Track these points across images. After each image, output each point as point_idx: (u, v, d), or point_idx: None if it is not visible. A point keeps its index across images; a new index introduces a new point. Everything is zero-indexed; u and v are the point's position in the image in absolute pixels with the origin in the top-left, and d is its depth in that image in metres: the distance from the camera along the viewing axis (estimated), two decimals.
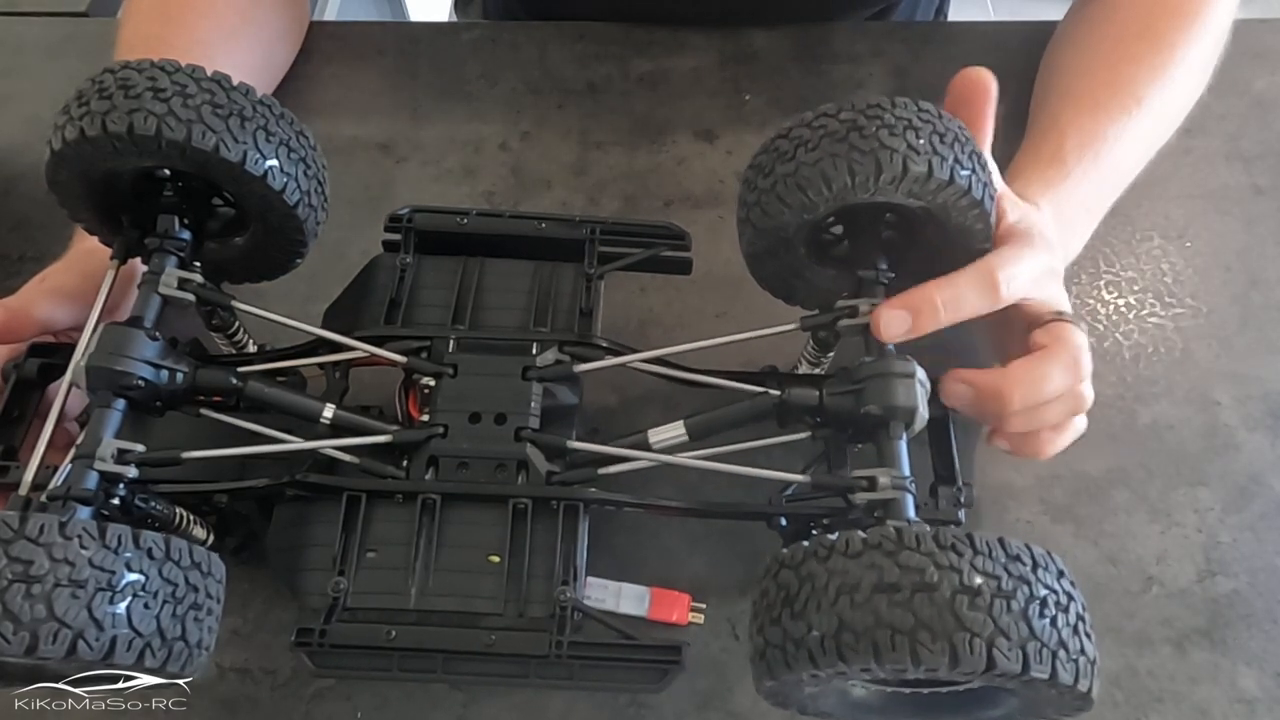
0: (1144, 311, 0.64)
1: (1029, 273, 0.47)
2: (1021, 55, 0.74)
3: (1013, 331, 0.49)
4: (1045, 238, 0.49)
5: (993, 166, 0.50)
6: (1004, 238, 0.48)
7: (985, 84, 0.47)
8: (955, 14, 1.01)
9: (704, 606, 0.53)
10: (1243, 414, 0.59)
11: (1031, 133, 0.61)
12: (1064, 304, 0.49)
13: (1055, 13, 0.74)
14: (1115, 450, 0.58)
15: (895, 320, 0.44)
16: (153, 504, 0.44)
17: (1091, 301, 0.64)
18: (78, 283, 0.52)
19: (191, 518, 0.46)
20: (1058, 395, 0.46)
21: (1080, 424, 0.49)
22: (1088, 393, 0.48)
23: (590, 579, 0.52)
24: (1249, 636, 0.52)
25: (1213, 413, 0.59)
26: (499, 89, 0.75)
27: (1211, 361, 0.62)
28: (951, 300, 0.45)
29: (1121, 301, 0.64)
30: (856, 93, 0.74)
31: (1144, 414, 0.59)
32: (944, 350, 0.49)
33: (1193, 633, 0.53)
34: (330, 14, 1.40)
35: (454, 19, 1.07)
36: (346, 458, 0.46)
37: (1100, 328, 0.63)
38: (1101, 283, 0.65)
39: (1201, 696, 0.51)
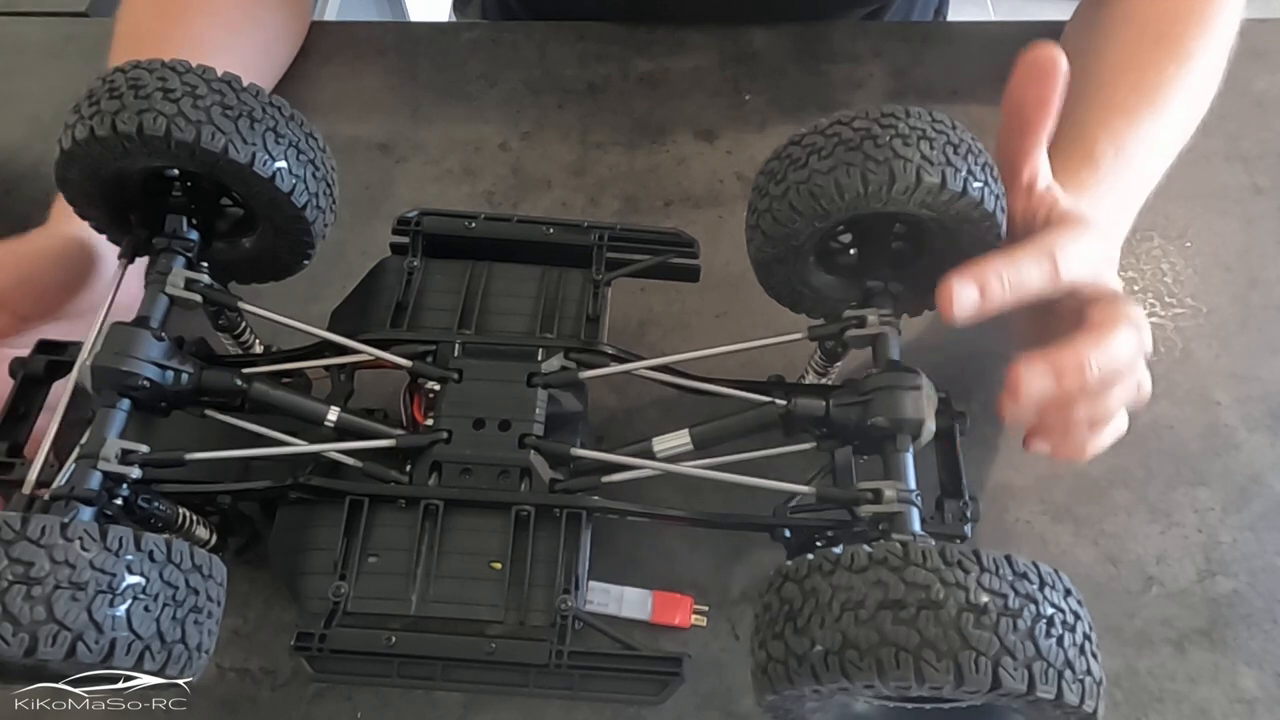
0: (1144, 311, 0.64)
1: (1088, 255, 0.46)
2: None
3: (1064, 324, 0.47)
4: (1099, 224, 0.48)
5: (1043, 158, 0.49)
6: (1058, 221, 0.47)
7: (1055, 58, 0.44)
8: (955, 14, 1.01)
9: (706, 609, 0.52)
10: (1243, 414, 0.59)
11: (1058, 136, 0.60)
12: (1117, 289, 0.48)
13: (1055, 13, 0.73)
14: (1115, 450, 0.57)
15: (965, 295, 0.42)
16: (156, 504, 0.44)
17: None
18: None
19: (195, 518, 0.46)
20: (1128, 367, 0.45)
21: (1122, 422, 0.48)
22: (1146, 379, 0.47)
23: (592, 583, 0.52)
24: (1249, 636, 0.52)
25: (1213, 413, 0.59)
26: (499, 89, 0.75)
27: (1211, 361, 0.61)
28: (1014, 278, 0.43)
29: None
30: (856, 93, 0.74)
31: (1144, 414, 0.59)
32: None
33: (1193, 633, 0.52)
34: (330, 14, 1.40)
35: (454, 19, 1.07)
36: (350, 461, 0.46)
37: None
38: None
39: (1201, 696, 0.51)
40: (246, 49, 0.69)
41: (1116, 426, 0.48)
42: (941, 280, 0.43)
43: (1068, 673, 0.33)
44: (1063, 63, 0.44)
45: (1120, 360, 0.44)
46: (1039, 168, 0.49)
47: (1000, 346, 0.56)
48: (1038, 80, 0.45)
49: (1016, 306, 0.44)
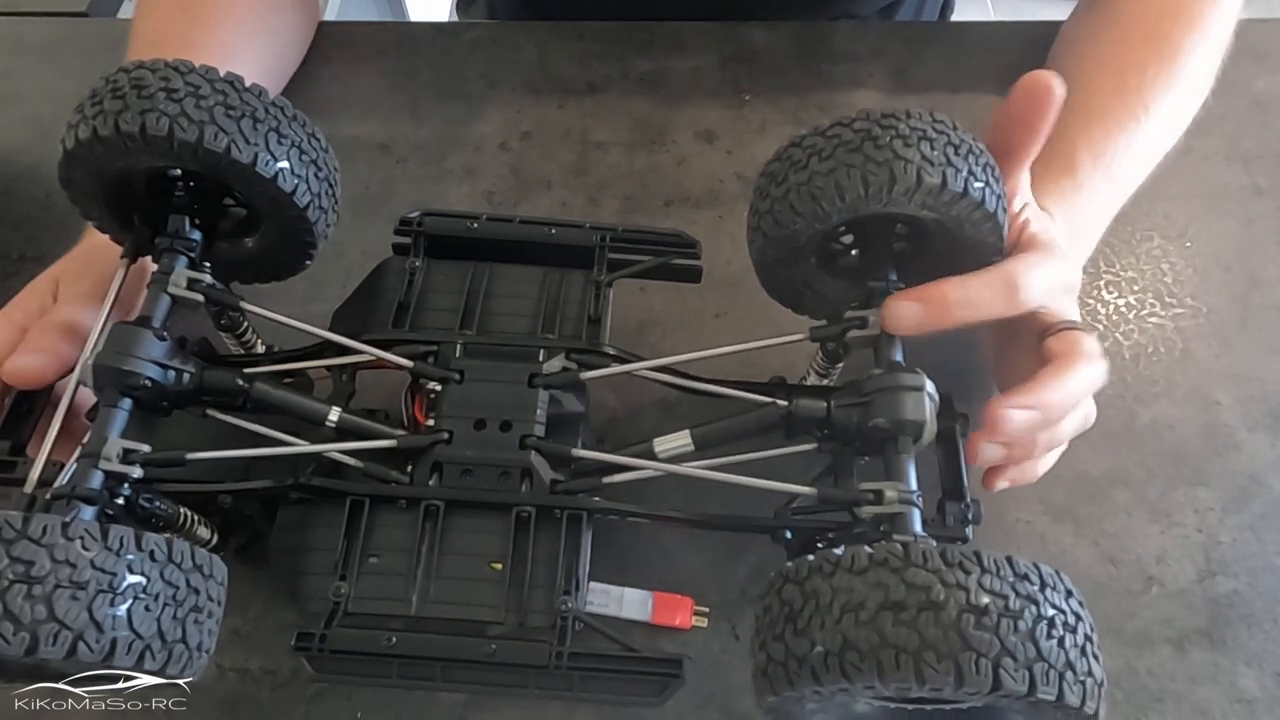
0: (1144, 311, 0.64)
1: (1048, 282, 0.47)
2: (1022, 55, 0.74)
3: (1022, 344, 0.49)
4: (1064, 250, 0.49)
5: (1024, 178, 0.50)
6: (1026, 245, 0.48)
7: (1051, 89, 0.45)
8: (955, 14, 1.01)
9: (706, 610, 0.52)
10: (1243, 414, 0.59)
11: None
12: (1076, 317, 0.49)
13: (1055, 13, 0.74)
14: (1115, 450, 0.58)
15: (906, 312, 0.44)
16: (157, 504, 0.44)
17: (1091, 301, 0.64)
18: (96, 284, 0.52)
19: (196, 518, 0.46)
20: (1082, 400, 0.46)
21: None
22: (1092, 410, 0.48)
23: (593, 584, 0.52)
24: (1249, 636, 0.52)
25: (1213, 413, 0.59)
26: (499, 89, 0.75)
27: (1211, 361, 0.62)
28: (966, 300, 0.44)
29: (1121, 301, 0.64)
30: (856, 93, 0.74)
31: (1144, 414, 0.59)
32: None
33: (1193, 633, 0.53)
34: (330, 14, 1.41)
35: (454, 19, 1.07)
36: (351, 461, 0.46)
37: (1100, 328, 0.63)
38: (1101, 283, 0.65)
39: (1201, 696, 0.51)
40: (264, 54, 0.69)
41: (1063, 445, 0.49)
42: (889, 298, 0.45)
43: (1069, 674, 0.33)
44: (1059, 90, 0.45)
45: (1077, 395, 0.46)
46: (1018, 187, 0.50)
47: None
48: (1031, 106, 0.46)
49: (970, 325, 0.45)
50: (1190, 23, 0.61)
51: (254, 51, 0.68)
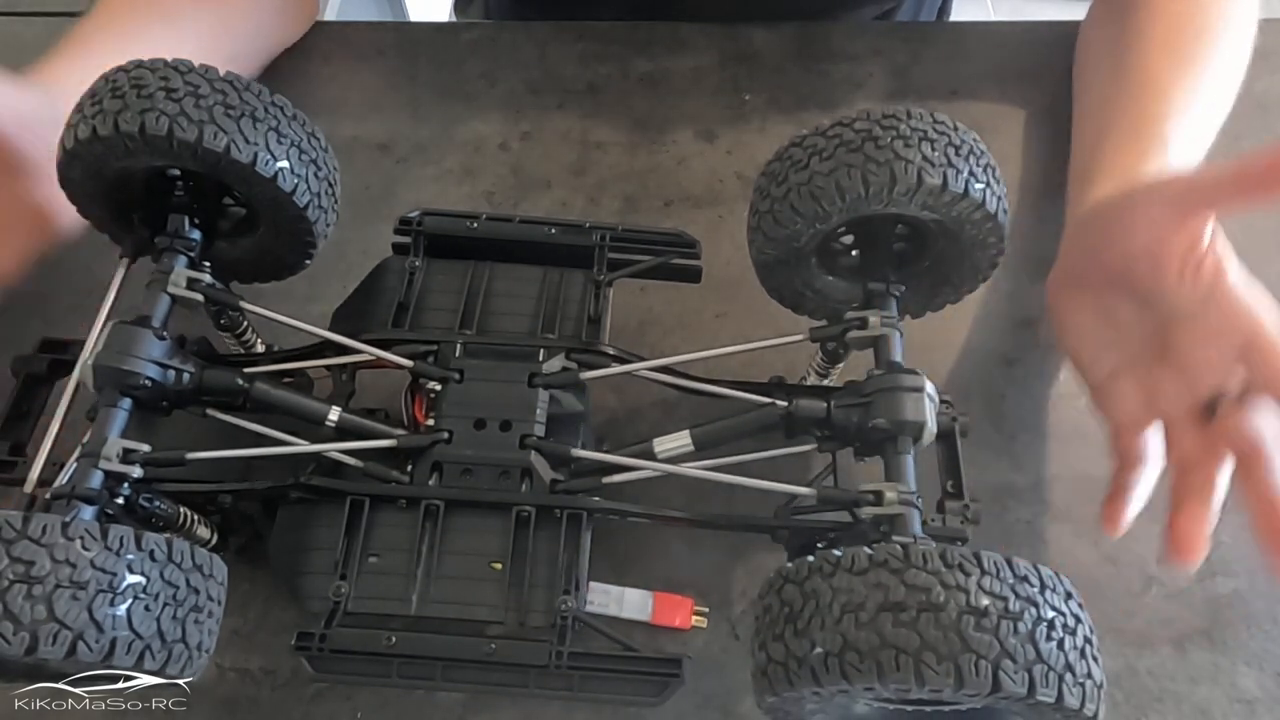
0: None
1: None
2: (1022, 55, 0.74)
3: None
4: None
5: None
6: (1240, 297, 0.49)
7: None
8: (955, 14, 1.01)
9: (707, 610, 0.52)
10: None
11: (1112, 127, 0.60)
12: None
13: (1055, 13, 0.74)
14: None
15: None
16: (157, 503, 0.44)
17: None
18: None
19: (196, 517, 0.46)
20: None
21: None
22: None
23: (593, 584, 0.52)
24: (1249, 636, 0.52)
25: None
26: (499, 89, 0.75)
27: None
28: None
29: None
30: (856, 93, 0.74)
31: None
32: None
33: (1193, 633, 0.52)
34: (330, 14, 1.40)
35: (454, 19, 1.07)
36: (351, 461, 0.46)
37: None
38: None
39: (1201, 696, 0.51)
40: (238, 20, 0.69)
41: None
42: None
43: (1068, 676, 0.33)
44: None
45: None
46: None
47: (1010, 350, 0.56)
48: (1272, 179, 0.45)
49: None
50: (1233, 50, 0.62)
51: (223, 14, 0.67)
